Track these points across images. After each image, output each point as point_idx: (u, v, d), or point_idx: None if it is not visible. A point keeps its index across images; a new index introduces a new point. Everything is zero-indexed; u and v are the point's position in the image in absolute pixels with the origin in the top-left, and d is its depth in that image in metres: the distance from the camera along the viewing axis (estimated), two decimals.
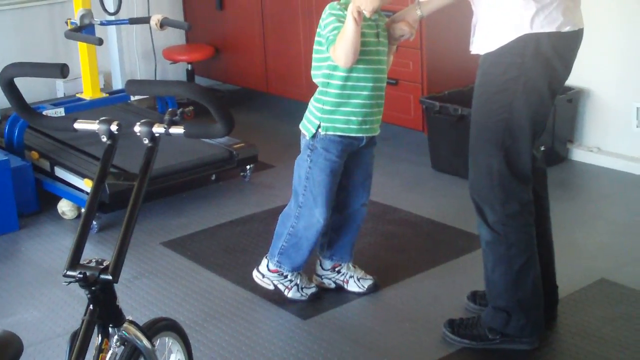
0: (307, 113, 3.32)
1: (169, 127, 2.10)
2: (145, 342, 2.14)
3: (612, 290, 3.47)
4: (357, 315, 3.40)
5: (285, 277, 3.47)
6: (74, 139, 4.86)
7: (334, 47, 3.07)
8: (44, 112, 4.67)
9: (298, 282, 3.48)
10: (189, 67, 6.58)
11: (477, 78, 2.97)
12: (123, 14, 5.39)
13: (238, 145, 4.85)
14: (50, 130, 4.86)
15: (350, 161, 3.35)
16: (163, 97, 5.55)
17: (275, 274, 3.48)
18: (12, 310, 3.57)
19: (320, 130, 3.23)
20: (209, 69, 6.69)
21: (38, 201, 4.54)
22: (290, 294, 3.47)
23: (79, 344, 1.96)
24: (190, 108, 6.74)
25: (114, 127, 2.12)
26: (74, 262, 2.00)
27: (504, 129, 2.87)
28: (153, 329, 2.28)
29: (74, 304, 3.52)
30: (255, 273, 3.54)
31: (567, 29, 2.81)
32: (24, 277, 3.86)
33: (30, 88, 5.68)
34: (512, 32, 2.80)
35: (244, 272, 3.78)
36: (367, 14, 3.04)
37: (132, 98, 5.71)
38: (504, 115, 2.86)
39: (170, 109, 2.15)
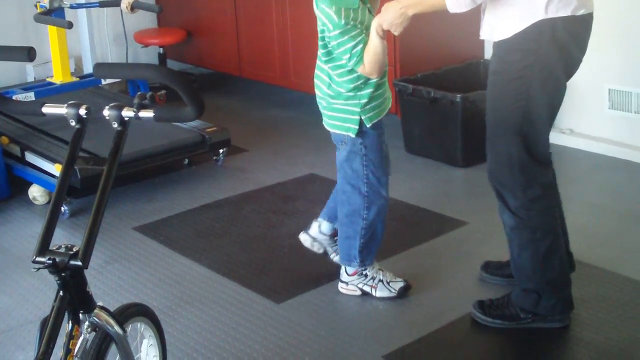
0: (335, 114, 3.18)
1: (139, 111, 2.08)
2: (117, 328, 2.12)
3: (585, 271, 3.48)
4: (331, 299, 3.39)
5: (366, 276, 3.35)
6: (45, 124, 4.81)
7: (363, 67, 3.01)
8: (14, 97, 4.63)
9: (382, 278, 3.35)
10: (161, 50, 6.53)
11: (491, 65, 2.95)
12: None
13: (211, 129, 4.82)
14: (19, 115, 4.81)
15: None
16: (135, 80, 5.51)
17: (355, 277, 3.36)
18: None
19: (364, 123, 3.14)
20: (181, 52, 6.65)
21: (8, 187, 4.50)
22: (378, 293, 3.33)
23: (49, 330, 1.94)
24: (163, 92, 6.72)
25: (82, 111, 2.09)
26: (43, 247, 1.97)
27: (521, 117, 2.85)
28: (124, 314, 2.27)
29: (45, 290, 3.50)
30: (339, 285, 3.40)
31: (581, 12, 2.80)
32: None
33: (0, 72, 5.64)
34: (527, 19, 2.77)
35: (217, 257, 3.77)
36: (396, 33, 2.99)
37: (104, 82, 5.66)
38: (521, 103, 2.84)
39: (139, 93, 2.12)
